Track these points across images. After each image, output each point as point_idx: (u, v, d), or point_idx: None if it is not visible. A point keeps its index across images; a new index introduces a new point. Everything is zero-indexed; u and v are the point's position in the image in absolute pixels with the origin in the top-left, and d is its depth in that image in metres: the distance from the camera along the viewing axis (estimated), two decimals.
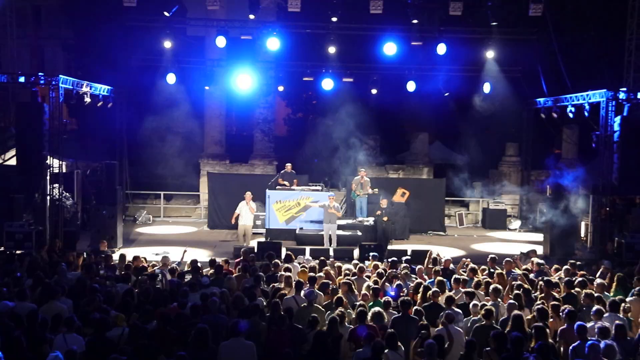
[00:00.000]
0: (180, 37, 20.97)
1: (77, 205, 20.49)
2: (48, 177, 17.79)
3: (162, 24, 20.14)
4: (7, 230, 16.96)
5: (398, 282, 11.75)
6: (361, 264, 13.35)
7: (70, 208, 19.64)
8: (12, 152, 17.69)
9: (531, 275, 12.84)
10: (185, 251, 14.47)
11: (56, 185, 18.08)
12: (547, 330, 8.80)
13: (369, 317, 9.08)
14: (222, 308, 9.72)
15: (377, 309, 9.38)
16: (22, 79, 17.51)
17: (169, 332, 8.58)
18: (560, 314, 9.44)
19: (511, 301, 10.26)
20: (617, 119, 18.28)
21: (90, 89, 19.39)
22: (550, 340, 8.62)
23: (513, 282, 11.88)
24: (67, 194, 19.18)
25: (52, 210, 17.85)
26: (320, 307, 10.05)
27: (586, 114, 19.48)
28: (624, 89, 18.49)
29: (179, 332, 8.65)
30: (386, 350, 7.93)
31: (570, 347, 8.28)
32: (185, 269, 13.26)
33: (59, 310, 9.20)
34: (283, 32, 20.20)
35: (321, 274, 12.24)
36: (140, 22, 19.72)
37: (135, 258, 13.35)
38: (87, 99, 19.13)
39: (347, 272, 12.76)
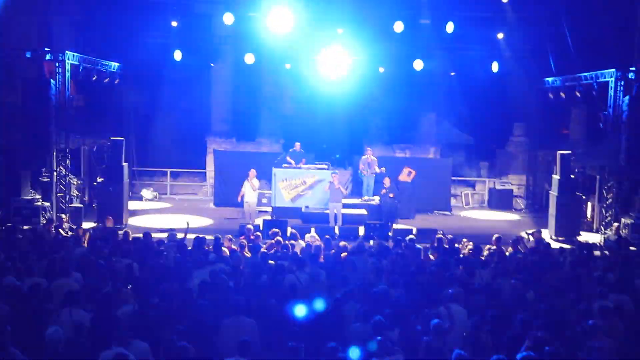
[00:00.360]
0: (188, 14, 20.94)
1: (83, 181, 20.58)
2: (54, 153, 17.88)
3: (170, 1, 20.12)
4: (14, 206, 17.15)
5: None
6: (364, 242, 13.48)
7: (77, 184, 19.73)
8: None
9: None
10: (187, 224, 14.53)
11: (62, 161, 18.17)
12: None
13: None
14: (230, 285, 9.74)
15: (382, 287, 9.41)
16: (28, 54, 17.54)
17: (172, 308, 8.57)
18: None
19: (514, 281, 10.34)
20: (626, 99, 18.18)
21: (98, 65, 19.41)
22: None
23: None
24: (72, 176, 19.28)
25: (59, 186, 17.97)
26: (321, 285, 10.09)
27: (594, 93, 19.39)
28: (633, 68, 18.36)
29: (183, 308, 8.63)
30: None
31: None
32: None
33: (71, 286, 9.22)
34: (291, 11, 20.08)
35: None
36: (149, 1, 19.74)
37: (144, 234, 13.47)
38: (94, 75, 19.17)
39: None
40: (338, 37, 21.45)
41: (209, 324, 8.09)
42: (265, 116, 25.23)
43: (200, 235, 13.31)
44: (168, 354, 7.04)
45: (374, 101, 25.40)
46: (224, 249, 12.52)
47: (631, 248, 14.92)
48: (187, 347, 6.92)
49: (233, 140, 25.40)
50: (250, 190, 18.75)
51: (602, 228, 18.67)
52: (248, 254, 12.37)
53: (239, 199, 19.11)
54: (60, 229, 14.87)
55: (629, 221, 18.31)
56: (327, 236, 14.42)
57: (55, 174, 17.98)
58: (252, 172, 18.89)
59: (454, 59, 23.15)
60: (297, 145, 21.44)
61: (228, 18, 19.92)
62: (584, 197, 20.27)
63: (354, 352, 7.13)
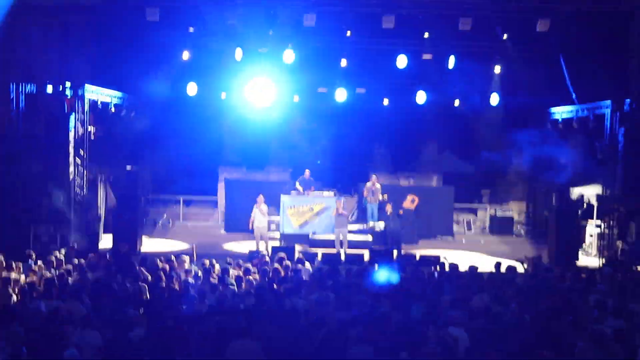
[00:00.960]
0: (200, 49, 21.80)
1: (100, 209, 21.35)
2: (73, 183, 18.64)
3: (183, 37, 20.99)
4: (33, 233, 17.86)
5: None
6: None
7: (94, 212, 20.48)
8: None
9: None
10: (195, 246, 15.20)
11: (80, 191, 18.93)
12: None
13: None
14: (239, 309, 10.24)
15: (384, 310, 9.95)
16: (49, 89, 18.39)
17: (184, 330, 8.98)
18: None
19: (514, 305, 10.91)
20: (622, 130, 18.82)
21: (114, 99, 20.28)
22: None
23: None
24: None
25: (76, 215, 18.70)
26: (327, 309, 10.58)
27: (590, 125, 20.07)
28: (628, 100, 19.05)
29: (194, 331, 9.05)
30: None
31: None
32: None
33: (79, 309, 9.81)
34: (298, 46, 20.99)
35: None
36: (162, 36, 20.57)
37: (156, 259, 14.14)
38: (112, 108, 20.07)
39: None
40: (342, 70, 22.25)
41: (216, 347, 8.44)
42: (274, 146, 26.08)
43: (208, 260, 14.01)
44: None
45: (378, 131, 26.24)
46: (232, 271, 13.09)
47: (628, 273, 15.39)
48: None
49: (243, 169, 26.23)
50: (259, 216, 19.44)
51: (600, 253, 19.21)
52: (256, 276, 12.90)
53: (250, 226, 19.81)
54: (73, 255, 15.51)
55: (625, 247, 18.93)
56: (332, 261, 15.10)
57: (72, 203, 18.71)
58: (261, 198, 19.64)
59: (455, 92, 23.88)
60: (307, 172, 22.20)
61: (238, 53, 20.76)
62: (582, 223, 20.90)
63: None
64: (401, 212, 20.20)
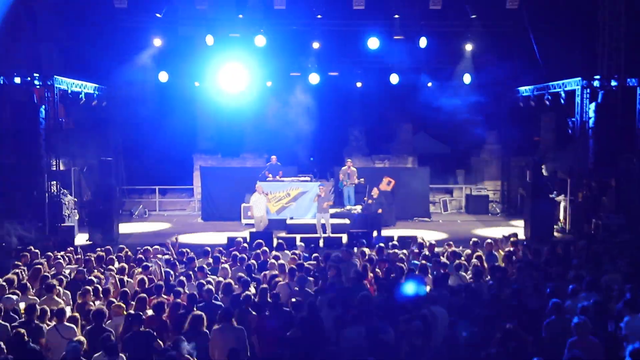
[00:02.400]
0: (171, 36, 21.58)
1: (74, 201, 21.13)
2: (45, 175, 18.40)
3: (153, 24, 20.76)
4: (7, 227, 17.59)
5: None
6: (349, 250, 14.12)
7: (68, 204, 20.26)
8: None
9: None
10: (176, 238, 15.13)
11: (54, 182, 18.69)
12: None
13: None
14: (217, 297, 10.14)
15: (364, 292, 9.89)
16: (17, 80, 18.08)
17: (164, 320, 9.00)
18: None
19: (491, 282, 11.04)
20: (592, 106, 19.05)
21: (85, 89, 20.01)
22: None
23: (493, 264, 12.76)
24: (65, 190, 19.78)
25: (50, 207, 18.47)
26: (310, 291, 10.60)
27: (562, 101, 20.30)
28: (598, 76, 19.29)
29: (175, 319, 9.04)
30: None
31: (544, 322, 8.74)
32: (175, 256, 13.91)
33: (58, 304, 9.65)
34: (270, 29, 20.87)
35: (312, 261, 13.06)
36: (131, 23, 20.34)
37: (134, 249, 14.06)
38: (82, 98, 19.79)
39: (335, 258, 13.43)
40: (314, 53, 22.19)
41: (202, 332, 8.40)
42: (249, 132, 25.97)
43: (184, 250, 13.98)
44: None
45: (353, 114, 26.29)
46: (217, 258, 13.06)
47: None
48: (177, 357, 7.27)
49: (218, 156, 26.09)
50: (261, 203, 19.37)
51: (574, 228, 19.49)
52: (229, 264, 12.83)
53: (250, 213, 19.79)
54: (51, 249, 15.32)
55: (599, 221, 19.23)
56: (312, 245, 15.14)
57: (46, 195, 18.48)
58: (259, 186, 19.60)
59: (427, 72, 23.97)
60: (274, 158, 22.18)
61: (209, 39, 20.57)
62: (556, 199, 21.19)
63: None
64: (374, 195, 20.22)
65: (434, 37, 21.96)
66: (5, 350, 7.50)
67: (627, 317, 8.80)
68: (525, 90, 22.61)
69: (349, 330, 8.52)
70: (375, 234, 17.97)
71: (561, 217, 21.37)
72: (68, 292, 10.71)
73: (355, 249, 14.95)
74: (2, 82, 17.90)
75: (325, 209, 19.38)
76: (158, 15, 19.56)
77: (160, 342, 8.25)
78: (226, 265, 12.28)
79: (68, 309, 9.52)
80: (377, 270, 12.31)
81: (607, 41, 20.56)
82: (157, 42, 21.21)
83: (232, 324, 8.51)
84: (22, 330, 8.04)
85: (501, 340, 8.01)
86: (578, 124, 19.29)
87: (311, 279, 11.43)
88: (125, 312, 9.32)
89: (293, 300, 9.61)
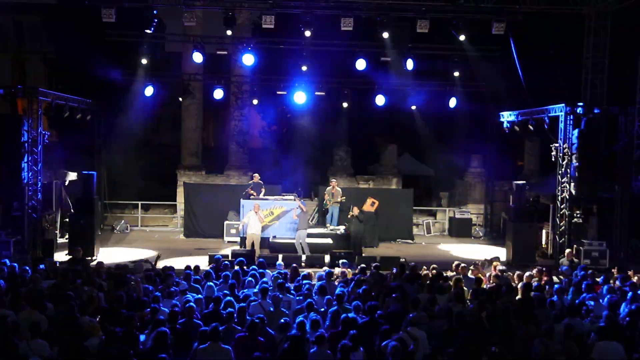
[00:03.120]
0: (159, 52, 21.57)
1: (55, 214, 20.92)
2: (26, 188, 18.19)
3: (141, 39, 20.70)
4: None
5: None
6: (331, 270, 14.05)
7: (48, 218, 20.05)
8: None
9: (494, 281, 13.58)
10: (158, 256, 14.99)
11: (34, 195, 18.48)
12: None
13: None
14: (199, 314, 10.06)
15: (350, 314, 9.83)
16: (1, 92, 17.94)
17: (137, 336, 8.81)
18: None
19: (472, 306, 11.01)
20: (575, 132, 19.20)
21: (69, 102, 19.88)
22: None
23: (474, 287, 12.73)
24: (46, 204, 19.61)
25: (30, 220, 18.26)
26: (286, 312, 10.41)
27: (546, 127, 20.44)
28: (581, 103, 19.49)
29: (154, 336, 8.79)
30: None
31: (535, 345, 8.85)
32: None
33: (39, 319, 9.41)
34: (258, 48, 20.92)
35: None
36: (119, 37, 20.27)
37: (114, 265, 13.89)
38: (67, 112, 19.64)
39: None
40: (302, 73, 22.25)
41: (181, 351, 8.33)
42: (233, 149, 25.92)
43: (168, 266, 13.84)
44: None
45: (338, 134, 26.34)
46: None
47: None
48: None
49: (202, 172, 25.98)
50: (255, 222, 19.25)
51: (556, 254, 19.54)
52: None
53: (240, 227, 19.83)
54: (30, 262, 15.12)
55: (581, 247, 19.32)
56: (294, 265, 15.04)
57: (26, 207, 18.27)
58: (257, 205, 19.52)
59: (414, 94, 24.09)
60: (256, 176, 22.13)
61: (197, 57, 20.56)
62: (538, 224, 21.27)
63: None
64: (354, 214, 20.14)
65: (421, 60, 22.08)
66: None
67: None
68: (509, 115, 22.77)
69: (320, 351, 8.48)
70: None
71: (543, 242, 21.45)
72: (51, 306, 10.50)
73: (337, 269, 14.88)
74: None
75: (303, 227, 19.33)
76: (148, 31, 19.51)
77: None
78: (210, 283, 12.18)
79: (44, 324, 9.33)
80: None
81: (591, 70, 20.89)
82: (145, 58, 21.14)
83: (218, 344, 8.41)
84: None
85: None
86: (561, 150, 19.41)
87: (292, 296, 11.32)
88: (101, 330, 9.17)
89: (282, 321, 9.50)
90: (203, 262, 16.62)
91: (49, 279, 12.79)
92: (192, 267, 13.85)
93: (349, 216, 20.30)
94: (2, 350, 8.08)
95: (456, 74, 22.92)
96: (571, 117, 19.26)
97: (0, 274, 13.04)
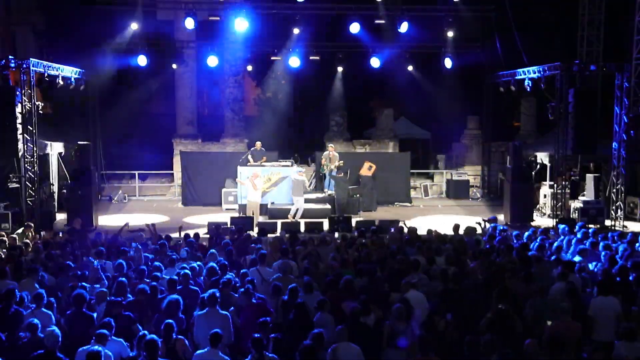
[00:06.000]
0: (150, 20, 21.32)
1: (52, 186, 20.90)
2: (23, 159, 18.14)
3: (132, 7, 20.47)
4: None
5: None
6: (329, 235, 14.13)
7: (46, 189, 20.05)
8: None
9: (494, 241, 13.65)
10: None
11: (31, 167, 18.44)
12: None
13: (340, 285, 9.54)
14: (199, 281, 10.16)
15: (348, 277, 9.86)
16: None
17: (143, 303, 8.94)
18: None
19: (472, 264, 11.08)
20: (571, 91, 19.14)
21: (62, 72, 19.73)
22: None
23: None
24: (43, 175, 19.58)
25: (28, 192, 18.25)
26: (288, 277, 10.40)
27: (542, 86, 20.36)
28: (577, 61, 19.38)
29: (154, 304, 9.01)
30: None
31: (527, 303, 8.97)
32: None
33: (39, 289, 9.42)
34: (250, 13, 20.70)
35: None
36: (110, 5, 20.02)
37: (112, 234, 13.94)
38: (60, 82, 19.49)
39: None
40: (296, 37, 22.04)
41: (180, 318, 8.36)
42: (229, 117, 25.81)
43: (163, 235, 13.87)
44: (141, 349, 7.30)
45: (334, 99, 26.22)
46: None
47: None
48: (158, 341, 7.21)
49: (199, 141, 25.90)
50: (252, 190, 19.27)
51: (554, 213, 19.64)
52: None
53: (238, 194, 19.92)
54: (29, 233, 15.18)
55: (578, 205, 19.42)
56: (292, 231, 15.08)
57: (23, 179, 18.25)
58: (255, 173, 19.51)
59: (408, 57, 23.93)
60: (258, 144, 22.04)
61: (189, 23, 20.35)
62: (536, 184, 21.32)
63: None
64: (339, 173, 20.09)
65: (415, 22, 21.89)
66: None
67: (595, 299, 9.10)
68: (506, 75, 22.65)
69: (324, 315, 8.54)
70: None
71: (541, 201, 21.54)
72: (53, 277, 10.60)
73: (336, 234, 14.95)
74: None
75: (299, 193, 19.36)
76: None
77: (140, 326, 8.20)
78: (212, 250, 12.22)
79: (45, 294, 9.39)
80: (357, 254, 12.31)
81: (587, 28, 20.75)
82: (135, 25, 20.89)
83: (216, 309, 8.48)
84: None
85: (492, 320, 8.07)
86: (557, 109, 19.33)
87: (293, 263, 11.37)
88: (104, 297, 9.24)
89: (275, 284, 9.57)
90: (202, 231, 16.62)
91: (48, 250, 12.84)
92: (192, 235, 13.92)
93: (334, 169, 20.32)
94: (9, 320, 8.10)
95: (450, 34, 22.74)
96: (567, 76, 19.16)
97: (0, 245, 13.14)
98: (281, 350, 7.79)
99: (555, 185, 19.76)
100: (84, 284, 9.81)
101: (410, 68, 24.49)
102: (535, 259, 11.37)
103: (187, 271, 10.00)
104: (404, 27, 21.57)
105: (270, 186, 20.91)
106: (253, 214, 18.86)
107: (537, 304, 8.93)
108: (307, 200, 19.90)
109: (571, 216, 18.87)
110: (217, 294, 8.69)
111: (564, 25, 21.08)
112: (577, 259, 11.54)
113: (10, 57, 17.79)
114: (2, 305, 8.70)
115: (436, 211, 22.38)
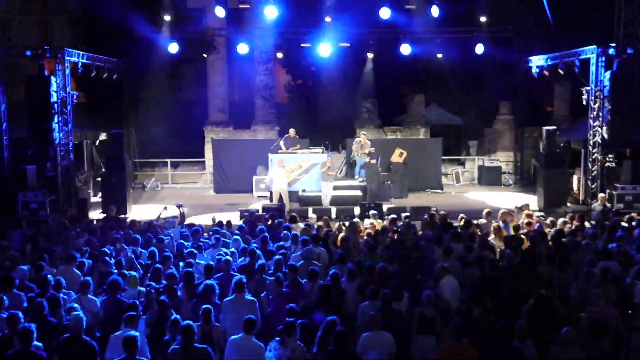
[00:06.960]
0: (182, 8, 21.42)
1: (87, 174, 21.21)
2: (58, 148, 18.43)
3: None
4: (21, 200, 17.63)
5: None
6: (359, 221, 14.13)
7: (81, 177, 20.35)
8: None
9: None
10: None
11: (66, 155, 18.73)
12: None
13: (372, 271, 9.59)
14: (233, 268, 10.23)
15: (381, 263, 9.89)
16: (28, 53, 18.07)
17: (176, 290, 9.06)
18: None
19: (508, 251, 10.99)
20: (607, 74, 18.73)
21: (96, 62, 19.96)
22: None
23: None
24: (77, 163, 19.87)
25: (64, 180, 18.55)
26: (318, 263, 10.51)
27: (577, 70, 19.98)
28: (614, 44, 18.93)
29: (189, 290, 9.10)
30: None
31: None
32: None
33: (75, 275, 9.74)
34: (280, 0, 20.66)
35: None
36: None
37: (148, 223, 14.11)
38: (94, 71, 19.73)
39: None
40: (326, 24, 21.95)
41: (213, 302, 8.42)
42: (259, 104, 25.87)
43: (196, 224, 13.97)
44: (174, 334, 7.41)
45: (364, 86, 26.09)
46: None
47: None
48: (194, 327, 7.25)
49: (230, 128, 26.03)
50: (281, 176, 19.38)
51: (588, 200, 19.35)
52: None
53: (267, 182, 19.92)
54: (66, 221, 15.43)
55: (614, 192, 19.08)
56: (324, 217, 15.12)
57: (59, 167, 18.54)
58: (281, 160, 19.60)
59: (440, 42, 23.68)
60: (292, 131, 22.04)
61: (219, 11, 20.40)
62: (570, 170, 21.01)
63: None
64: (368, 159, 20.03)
65: (446, 6, 21.63)
66: (22, 320, 7.54)
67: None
68: (538, 59, 22.29)
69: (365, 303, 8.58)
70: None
71: (575, 188, 21.22)
72: (90, 262, 10.74)
73: (367, 220, 14.94)
74: (14, 56, 17.83)
75: (328, 178, 19.37)
76: None
77: (174, 312, 8.27)
78: (238, 237, 12.30)
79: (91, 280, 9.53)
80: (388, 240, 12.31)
81: (624, 8, 20.25)
82: (169, 15, 21.01)
83: (244, 295, 8.55)
84: (41, 301, 8.12)
85: (534, 306, 8.04)
86: (593, 93, 18.99)
87: (319, 250, 11.38)
88: (138, 284, 9.36)
89: (310, 269, 9.62)
90: (234, 218, 16.73)
91: (85, 237, 13.05)
92: (225, 222, 14.02)
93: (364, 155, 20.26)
94: (48, 307, 8.19)
95: (483, 19, 22.43)
96: (603, 59, 18.77)
97: (38, 232, 13.39)
98: (307, 336, 7.78)
99: (589, 171, 19.46)
100: (119, 270, 9.98)
101: (440, 56, 24.24)
102: (572, 245, 11.26)
103: (228, 257, 10.12)
104: (434, 12, 21.34)
105: (301, 173, 20.95)
106: (282, 199, 18.92)
107: (583, 289, 8.88)
108: (337, 187, 19.88)
109: (607, 202, 18.53)
110: (244, 280, 8.76)
111: (601, 6, 20.57)
112: (612, 245, 11.37)
113: (45, 46, 18.05)
114: (39, 291, 8.90)
115: (468, 198, 22.19)
